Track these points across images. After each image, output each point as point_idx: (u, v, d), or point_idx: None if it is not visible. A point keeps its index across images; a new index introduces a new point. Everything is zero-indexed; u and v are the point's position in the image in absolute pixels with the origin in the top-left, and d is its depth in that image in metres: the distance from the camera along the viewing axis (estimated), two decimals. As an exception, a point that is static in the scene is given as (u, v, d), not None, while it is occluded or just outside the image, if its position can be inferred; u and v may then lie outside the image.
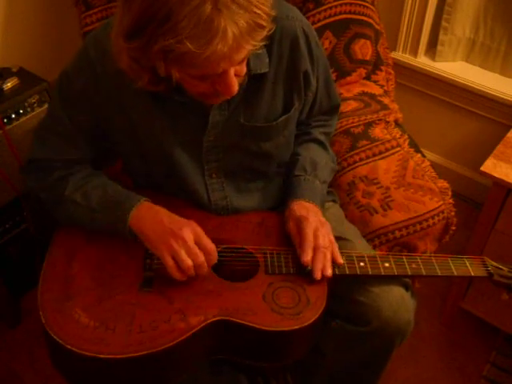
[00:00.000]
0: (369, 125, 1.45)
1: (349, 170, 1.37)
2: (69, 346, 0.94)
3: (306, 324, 0.99)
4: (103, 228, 1.09)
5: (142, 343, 0.95)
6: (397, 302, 1.07)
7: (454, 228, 1.34)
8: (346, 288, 1.09)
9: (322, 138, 1.27)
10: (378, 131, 1.44)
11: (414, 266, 1.08)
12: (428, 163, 1.39)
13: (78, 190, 1.10)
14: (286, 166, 1.24)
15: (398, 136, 1.44)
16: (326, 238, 1.06)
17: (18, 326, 1.74)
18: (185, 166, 1.12)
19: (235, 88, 0.91)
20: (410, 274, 1.07)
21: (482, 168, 1.36)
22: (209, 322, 0.99)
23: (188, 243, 0.99)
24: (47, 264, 1.08)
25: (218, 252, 1.04)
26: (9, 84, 1.57)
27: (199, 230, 1.03)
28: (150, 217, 1.05)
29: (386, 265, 1.07)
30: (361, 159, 1.38)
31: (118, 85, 1.03)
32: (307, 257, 1.03)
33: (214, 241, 1.03)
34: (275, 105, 1.11)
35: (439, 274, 1.08)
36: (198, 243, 1.01)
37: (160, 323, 0.98)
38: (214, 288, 1.04)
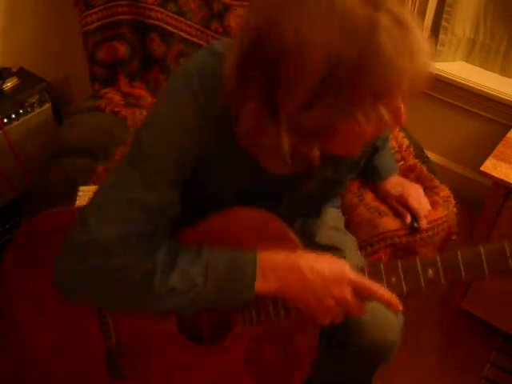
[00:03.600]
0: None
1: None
2: None
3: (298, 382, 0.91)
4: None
5: None
6: (380, 323, 1.05)
7: (454, 238, 1.35)
8: None
9: None
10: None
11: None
12: (426, 174, 1.41)
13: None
14: None
15: (404, 147, 1.45)
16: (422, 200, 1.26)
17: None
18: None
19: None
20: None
21: (481, 168, 1.36)
22: None
23: (349, 302, 0.83)
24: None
25: None
26: (9, 84, 1.57)
27: (355, 278, 0.84)
28: (288, 274, 0.84)
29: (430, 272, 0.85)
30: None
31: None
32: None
33: None
34: None
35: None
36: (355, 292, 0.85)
37: None
38: (193, 358, 0.91)
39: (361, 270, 0.84)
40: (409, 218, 1.25)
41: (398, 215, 1.27)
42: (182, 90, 0.82)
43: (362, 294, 0.83)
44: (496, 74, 1.90)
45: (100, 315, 0.93)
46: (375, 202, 1.32)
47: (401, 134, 1.47)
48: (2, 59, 1.74)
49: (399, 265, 0.83)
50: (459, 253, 0.83)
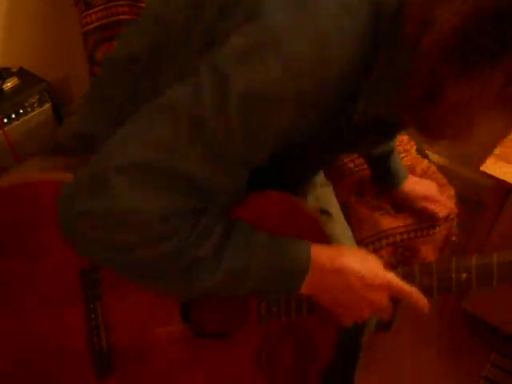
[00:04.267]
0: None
1: (356, 171, 1.37)
2: None
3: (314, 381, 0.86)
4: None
5: None
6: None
7: (453, 238, 1.35)
8: None
9: None
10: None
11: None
12: (434, 169, 1.40)
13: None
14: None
15: (405, 142, 1.44)
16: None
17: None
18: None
19: None
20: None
21: (481, 168, 1.36)
22: None
23: (382, 307, 0.81)
24: None
25: None
26: (9, 84, 1.57)
27: (396, 283, 0.80)
28: (333, 276, 0.77)
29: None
30: (368, 162, 1.38)
31: None
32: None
33: None
34: None
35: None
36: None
37: None
38: (193, 355, 0.83)
39: (395, 271, 0.81)
40: (445, 212, 1.26)
41: (418, 214, 1.26)
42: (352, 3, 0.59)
43: (396, 298, 0.80)
44: (496, 74, 1.90)
45: (88, 306, 0.81)
46: (376, 200, 1.32)
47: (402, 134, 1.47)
48: (2, 59, 1.74)
49: (433, 266, 0.81)
50: (495, 259, 0.84)
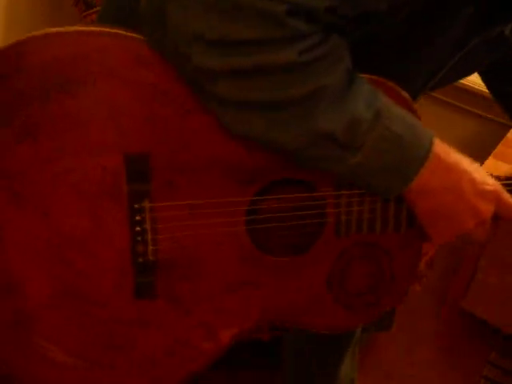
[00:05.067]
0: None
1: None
2: None
3: (379, 315, 0.75)
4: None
5: (155, 380, 0.70)
6: None
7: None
8: None
9: None
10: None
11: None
12: None
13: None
14: None
15: None
16: None
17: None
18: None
19: None
20: None
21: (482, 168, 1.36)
22: (247, 333, 0.71)
23: (487, 224, 0.71)
24: None
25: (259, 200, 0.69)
26: (9, 84, 1.57)
27: (507, 198, 0.70)
28: (441, 177, 0.66)
29: None
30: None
31: None
32: None
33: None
34: None
35: None
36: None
37: (177, 347, 0.69)
38: (251, 275, 0.69)
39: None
40: None
41: None
42: None
43: (501, 213, 0.71)
44: (496, 74, 1.90)
45: (132, 205, 0.65)
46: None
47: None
48: (2, 59, 1.74)
49: None
50: None
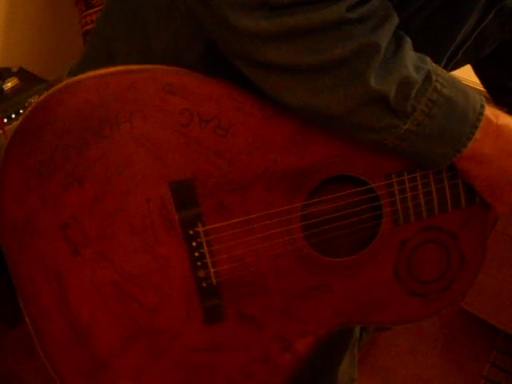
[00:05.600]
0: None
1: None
2: None
3: (455, 300, 0.73)
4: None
5: None
6: None
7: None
8: None
9: None
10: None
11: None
12: None
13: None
14: None
15: None
16: None
17: (18, 326, 1.74)
18: None
19: None
20: None
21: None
22: (322, 339, 0.70)
23: None
24: (20, 284, 0.66)
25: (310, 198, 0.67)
26: (9, 84, 1.57)
27: None
28: (497, 140, 0.63)
29: None
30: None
31: None
32: None
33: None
34: None
35: None
36: None
37: (255, 366, 0.68)
38: (316, 280, 0.68)
39: None
40: None
41: None
42: None
43: None
44: (496, 74, 1.90)
45: (187, 232, 0.65)
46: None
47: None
48: (2, 59, 1.74)
49: None
50: None
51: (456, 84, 0.62)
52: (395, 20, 0.58)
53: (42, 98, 0.61)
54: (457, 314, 1.71)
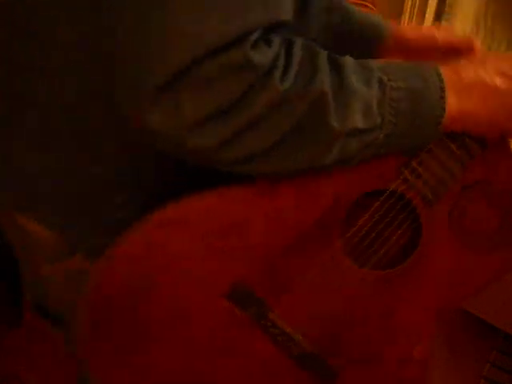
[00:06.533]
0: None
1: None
2: None
3: None
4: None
5: None
6: None
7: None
8: None
9: None
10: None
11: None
12: None
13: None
14: None
15: None
16: None
17: (18, 326, 1.74)
18: None
19: None
20: None
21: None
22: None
23: None
24: None
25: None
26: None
27: None
28: (463, 87, 0.64)
29: None
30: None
31: None
32: None
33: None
34: None
35: None
36: None
37: None
38: (386, 299, 0.70)
39: None
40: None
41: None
42: None
43: None
44: (496, 74, 1.90)
45: (260, 323, 0.67)
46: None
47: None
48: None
49: None
50: None
51: (405, 69, 0.63)
52: (319, 49, 0.58)
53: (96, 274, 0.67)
54: (457, 313, 1.71)
